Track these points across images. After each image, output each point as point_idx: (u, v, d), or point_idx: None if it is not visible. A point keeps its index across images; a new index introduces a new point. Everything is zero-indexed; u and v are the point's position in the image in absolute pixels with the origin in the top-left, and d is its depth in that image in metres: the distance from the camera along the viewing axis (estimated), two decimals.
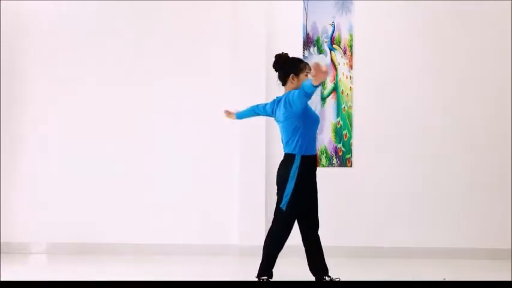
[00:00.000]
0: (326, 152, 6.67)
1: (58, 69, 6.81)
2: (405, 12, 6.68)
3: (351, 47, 6.70)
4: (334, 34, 6.73)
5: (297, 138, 4.66)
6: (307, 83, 4.44)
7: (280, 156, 4.80)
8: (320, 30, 6.75)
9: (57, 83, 6.81)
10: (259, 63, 6.53)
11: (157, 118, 6.74)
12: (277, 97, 4.87)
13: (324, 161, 6.65)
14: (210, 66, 6.76)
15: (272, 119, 5.05)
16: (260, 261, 4.72)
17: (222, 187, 6.67)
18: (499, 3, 6.58)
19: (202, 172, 6.69)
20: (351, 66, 6.69)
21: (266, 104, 5.01)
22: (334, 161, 6.66)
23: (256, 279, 4.69)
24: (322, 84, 6.55)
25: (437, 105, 6.61)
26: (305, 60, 4.93)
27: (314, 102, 6.55)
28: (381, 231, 6.54)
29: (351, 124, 6.66)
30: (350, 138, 6.66)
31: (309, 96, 4.51)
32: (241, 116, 5.29)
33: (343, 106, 6.68)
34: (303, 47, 6.72)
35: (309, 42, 6.74)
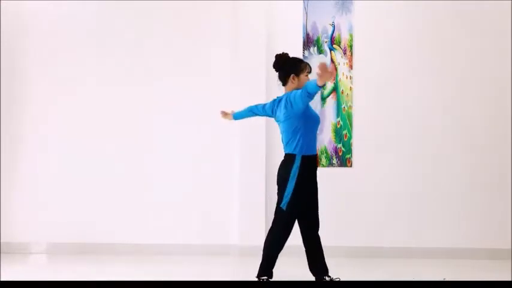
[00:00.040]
0: (326, 152, 6.67)
1: (58, 69, 6.81)
2: (405, 12, 6.68)
3: (351, 47, 6.70)
4: (334, 34, 6.73)
5: (297, 138, 4.66)
6: (311, 83, 4.43)
7: (280, 156, 4.80)
8: (320, 30, 6.75)
9: (57, 83, 6.81)
10: (259, 63, 6.53)
11: (157, 118, 6.74)
12: (277, 97, 4.87)
13: (324, 161, 6.65)
14: (210, 66, 6.76)
15: (272, 119, 5.05)
16: (260, 261, 4.73)
17: (222, 187, 6.67)
18: (499, 3, 6.58)
19: (202, 172, 6.69)
20: (351, 66, 6.69)
21: (265, 104, 5.01)
22: (334, 161, 6.66)
23: (256, 279, 4.69)
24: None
25: (437, 105, 6.61)
26: (305, 61, 4.93)
27: (314, 102, 6.52)
28: (381, 231, 6.54)
29: (351, 124, 6.66)
30: (350, 138, 6.66)
31: (311, 96, 4.50)
32: (238, 116, 5.28)
33: (343, 106, 6.69)
34: (303, 47, 6.72)
35: (309, 42, 6.74)
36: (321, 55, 6.73)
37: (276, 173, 4.79)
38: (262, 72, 6.52)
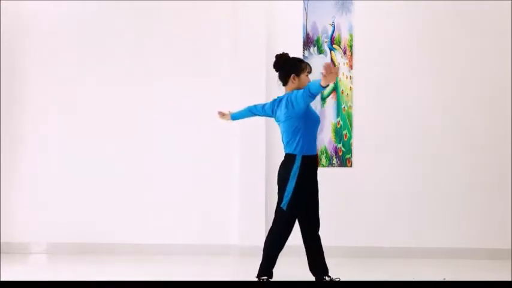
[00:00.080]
0: (326, 152, 6.67)
1: (58, 69, 6.81)
2: (405, 12, 6.68)
3: (351, 47, 6.70)
4: (334, 34, 6.73)
5: (297, 138, 4.66)
6: (314, 84, 4.43)
7: (280, 156, 4.80)
8: (320, 30, 6.75)
9: (57, 83, 6.81)
10: (259, 63, 6.53)
11: (157, 118, 6.74)
12: (277, 97, 4.87)
13: (324, 161, 6.65)
14: (210, 66, 6.75)
15: (272, 119, 5.05)
16: (260, 261, 4.73)
17: (222, 187, 6.67)
18: (499, 3, 6.58)
19: (202, 172, 6.69)
20: (351, 66, 6.69)
21: (265, 104, 5.01)
22: (334, 161, 6.66)
23: (256, 279, 4.69)
24: None
25: (437, 105, 6.61)
26: (305, 61, 4.93)
27: (314, 102, 6.52)
28: (381, 231, 6.54)
29: (351, 124, 6.66)
30: (350, 138, 6.66)
31: (313, 96, 4.50)
32: (236, 116, 5.28)
33: (343, 106, 6.69)
34: (303, 47, 6.72)
35: (309, 42, 6.74)
36: (321, 55, 6.73)
37: (276, 173, 4.79)
38: (262, 72, 6.52)
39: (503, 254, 6.39)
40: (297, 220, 4.75)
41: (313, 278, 4.80)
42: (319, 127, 5.12)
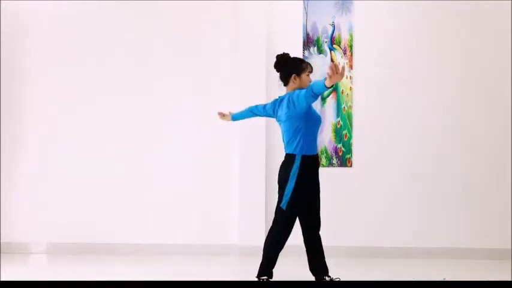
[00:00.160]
0: (326, 152, 6.67)
1: (58, 69, 6.81)
2: (405, 12, 6.68)
3: (351, 47, 6.70)
4: (334, 34, 6.73)
5: (298, 138, 4.66)
6: (317, 83, 4.41)
7: (280, 156, 4.80)
8: (320, 30, 6.75)
9: (57, 83, 6.81)
10: (259, 63, 6.52)
11: (157, 118, 6.74)
12: (279, 96, 4.87)
13: (324, 161, 6.65)
14: (210, 66, 6.75)
15: (273, 119, 5.04)
16: (260, 261, 4.73)
17: (222, 187, 6.67)
18: (499, 3, 6.58)
19: (202, 172, 6.69)
20: (351, 66, 6.69)
21: (266, 104, 5.01)
22: (334, 161, 6.66)
23: (256, 279, 4.69)
24: None
25: (437, 105, 6.61)
26: (306, 60, 4.93)
27: (314, 103, 6.52)
28: (381, 231, 6.54)
29: (351, 124, 6.66)
30: (350, 138, 6.66)
31: (316, 96, 4.50)
32: (237, 117, 5.28)
33: (343, 106, 6.69)
34: (303, 47, 6.72)
35: (309, 42, 6.74)
36: (321, 55, 6.73)
37: (277, 173, 4.79)
38: (262, 72, 6.52)
39: (503, 254, 6.39)
40: (297, 220, 4.75)
41: (313, 278, 4.80)
42: (320, 127, 5.11)
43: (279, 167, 4.79)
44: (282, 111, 4.74)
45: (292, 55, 4.88)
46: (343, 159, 6.66)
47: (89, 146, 6.73)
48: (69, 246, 6.62)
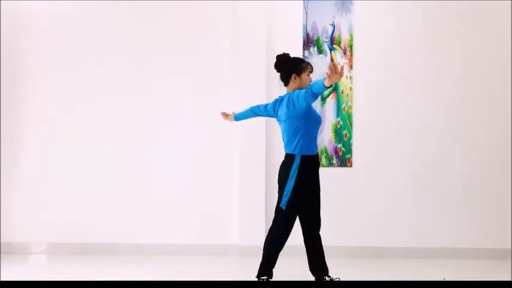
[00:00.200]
0: (326, 152, 6.67)
1: (58, 69, 6.81)
2: (405, 12, 6.68)
3: (351, 47, 6.70)
4: (334, 34, 6.73)
5: (297, 138, 4.66)
6: (317, 83, 4.41)
7: (280, 156, 4.80)
8: (320, 30, 6.75)
9: (57, 83, 6.81)
10: (259, 63, 6.53)
11: (157, 118, 6.74)
12: (279, 96, 4.87)
13: (324, 161, 6.65)
14: (210, 66, 6.75)
15: (273, 119, 5.04)
16: (260, 261, 4.72)
17: (222, 187, 6.67)
18: (499, 3, 6.58)
19: (202, 172, 6.69)
20: (351, 66, 6.69)
21: (267, 104, 5.01)
22: (334, 161, 6.66)
23: (256, 279, 4.69)
24: None
25: (437, 105, 6.61)
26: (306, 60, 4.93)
27: (314, 102, 6.53)
28: (381, 231, 6.54)
29: (351, 124, 6.66)
30: (350, 138, 6.66)
31: (315, 96, 4.50)
32: (239, 117, 5.29)
33: (343, 106, 6.69)
34: (303, 47, 6.72)
35: (309, 42, 6.74)
36: (321, 55, 6.73)
37: (277, 173, 4.79)
38: (262, 72, 6.52)
39: (503, 254, 6.39)
40: (297, 220, 4.75)
41: (313, 278, 4.80)
42: (320, 127, 5.11)
43: (279, 167, 4.79)
44: (282, 111, 4.74)
45: (292, 55, 4.88)
46: (343, 159, 6.66)
47: (89, 146, 6.73)
48: (69, 246, 6.62)
